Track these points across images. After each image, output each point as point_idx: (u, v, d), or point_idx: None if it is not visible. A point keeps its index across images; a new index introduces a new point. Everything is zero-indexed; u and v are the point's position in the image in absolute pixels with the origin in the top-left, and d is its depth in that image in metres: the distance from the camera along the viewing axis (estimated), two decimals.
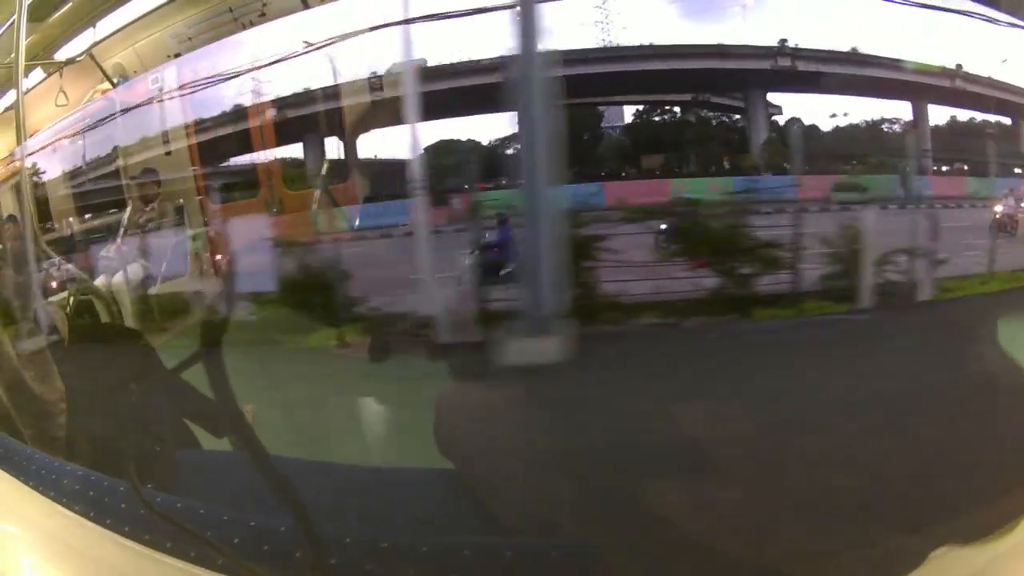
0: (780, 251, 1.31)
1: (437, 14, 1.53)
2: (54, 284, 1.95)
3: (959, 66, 1.39)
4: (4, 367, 1.73)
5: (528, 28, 1.22)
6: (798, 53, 1.35)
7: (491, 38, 1.47)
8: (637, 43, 1.43)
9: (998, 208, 1.50)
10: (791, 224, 1.34)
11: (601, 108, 1.56)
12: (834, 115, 1.40)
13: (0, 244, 2.04)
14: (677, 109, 1.55)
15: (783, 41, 1.36)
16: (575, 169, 1.50)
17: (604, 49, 1.42)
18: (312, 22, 1.78)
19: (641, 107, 1.54)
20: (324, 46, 1.74)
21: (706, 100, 1.52)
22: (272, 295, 1.54)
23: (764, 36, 1.36)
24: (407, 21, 1.60)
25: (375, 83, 1.68)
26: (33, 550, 1.37)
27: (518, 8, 1.25)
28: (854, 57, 1.36)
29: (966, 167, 1.52)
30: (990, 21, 1.38)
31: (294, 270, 1.53)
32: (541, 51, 1.22)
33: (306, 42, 1.60)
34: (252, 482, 1.34)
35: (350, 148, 1.78)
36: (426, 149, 1.57)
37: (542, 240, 1.22)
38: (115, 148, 2.02)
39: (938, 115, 1.46)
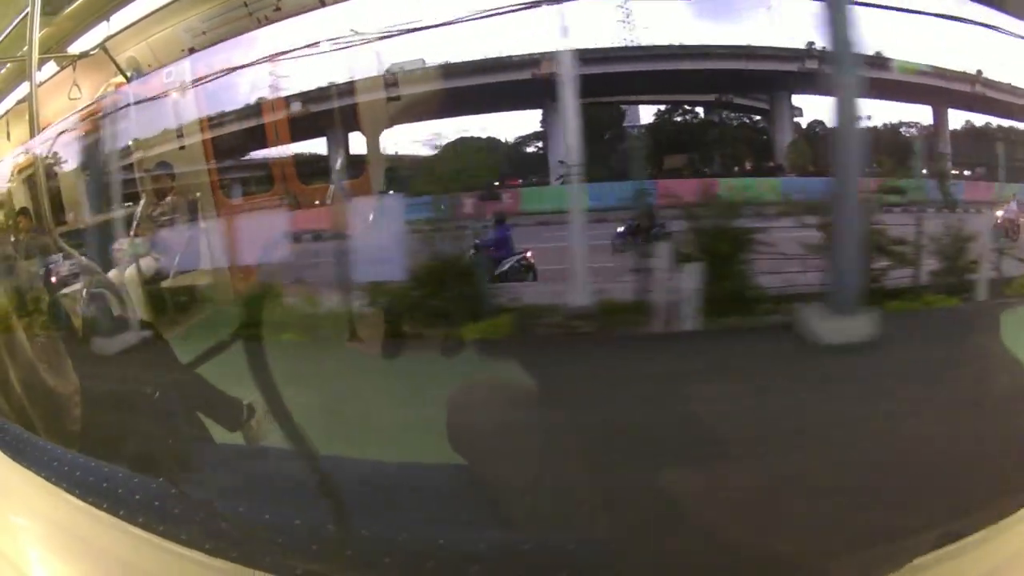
0: (909, 248, 1.38)
1: (461, 17, 1.54)
2: (60, 279, 1.96)
3: (979, 72, 1.40)
4: (18, 360, 1.73)
5: (839, 27, 1.27)
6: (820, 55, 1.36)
7: (513, 35, 1.48)
8: (666, 43, 1.44)
9: (999, 213, 1.51)
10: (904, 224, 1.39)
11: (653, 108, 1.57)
12: (868, 118, 1.42)
13: (13, 237, 2.04)
14: (700, 110, 1.55)
15: (810, 44, 1.37)
16: (623, 167, 1.51)
17: (630, 49, 1.43)
18: (327, 18, 1.78)
19: (668, 107, 1.55)
20: (342, 43, 1.74)
21: (729, 101, 1.53)
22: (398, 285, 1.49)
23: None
24: (425, 27, 1.61)
25: (390, 79, 1.68)
26: (47, 541, 1.38)
27: (828, 8, 1.30)
28: (878, 61, 1.37)
29: (988, 171, 1.53)
30: (1009, 33, 1.39)
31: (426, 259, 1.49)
32: (853, 49, 1.27)
33: (354, 30, 1.59)
34: (268, 476, 1.34)
35: (367, 144, 1.78)
36: (461, 146, 1.57)
37: (850, 227, 1.31)
38: (128, 142, 2.02)
39: (959, 120, 1.47)
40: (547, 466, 1.08)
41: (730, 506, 0.97)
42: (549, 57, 1.48)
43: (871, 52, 1.36)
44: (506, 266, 1.53)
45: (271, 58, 1.81)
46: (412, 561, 1.01)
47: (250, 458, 1.57)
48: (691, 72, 1.48)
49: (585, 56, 1.43)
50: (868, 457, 1.04)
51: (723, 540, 0.92)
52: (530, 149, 1.61)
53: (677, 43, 1.44)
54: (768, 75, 1.46)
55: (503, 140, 1.59)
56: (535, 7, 1.45)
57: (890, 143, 1.44)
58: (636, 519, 1.01)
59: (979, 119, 1.47)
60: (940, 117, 1.47)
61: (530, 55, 1.50)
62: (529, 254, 1.53)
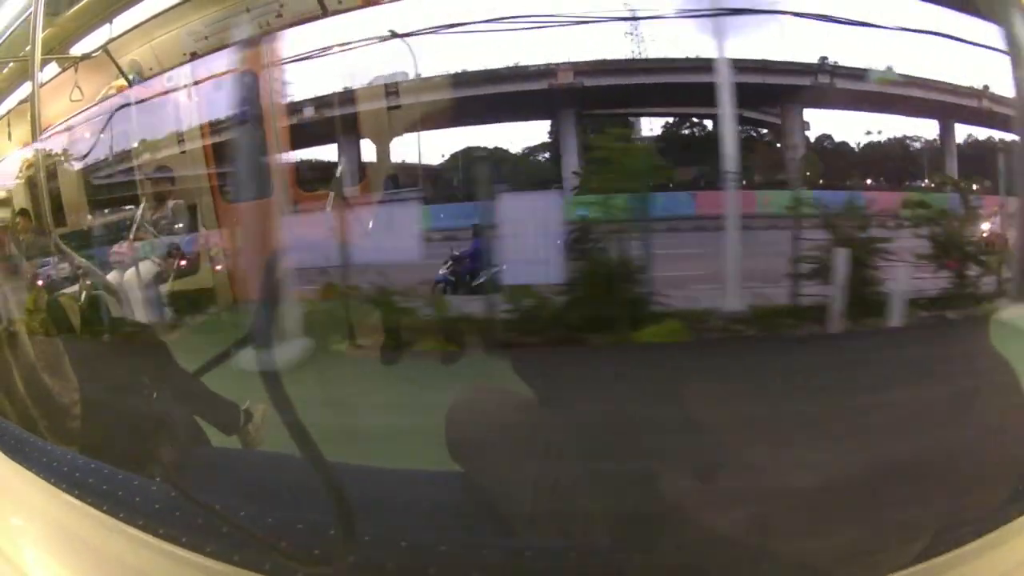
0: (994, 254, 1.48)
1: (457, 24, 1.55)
2: (59, 280, 1.96)
3: (985, 87, 1.43)
4: (18, 360, 1.73)
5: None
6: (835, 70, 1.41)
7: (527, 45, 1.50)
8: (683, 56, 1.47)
9: (984, 226, 1.50)
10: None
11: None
12: (879, 132, 1.47)
13: (13, 237, 2.04)
14: (708, 123, 1.58)
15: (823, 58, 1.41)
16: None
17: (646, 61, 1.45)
18: (329, 26, 1.80)
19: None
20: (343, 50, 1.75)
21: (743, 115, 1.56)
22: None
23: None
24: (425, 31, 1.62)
25: (392, 88, 1.70)
26: (47, 542, 1.38)
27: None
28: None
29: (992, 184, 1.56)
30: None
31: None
32: None
33: (393, 31, 1.58)
34: (270, 480, 1.35)
35: (367, 151, 1.79)
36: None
37: None
38: (129, 145, 2.02)
39: (963, 133, 1.50)
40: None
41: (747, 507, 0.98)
42: (566, 67, 1.51)
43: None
44: (483, 279, 1.55)
45: (278, 62, 1.82)
46: (415, 566, 1.02)
47: (251, 463, 1.58)
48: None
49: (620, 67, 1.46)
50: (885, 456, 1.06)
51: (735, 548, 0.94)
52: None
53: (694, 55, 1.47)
54: (785, 88, 1.49)
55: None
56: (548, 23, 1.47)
57: (914, 156, 1.49)
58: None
59: (983, 133, 1.51)
60: (948, 131, 1.51)
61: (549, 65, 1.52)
62: (504, 267, 1.54)
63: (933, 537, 0.98)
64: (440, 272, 1.59)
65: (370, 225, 1.64)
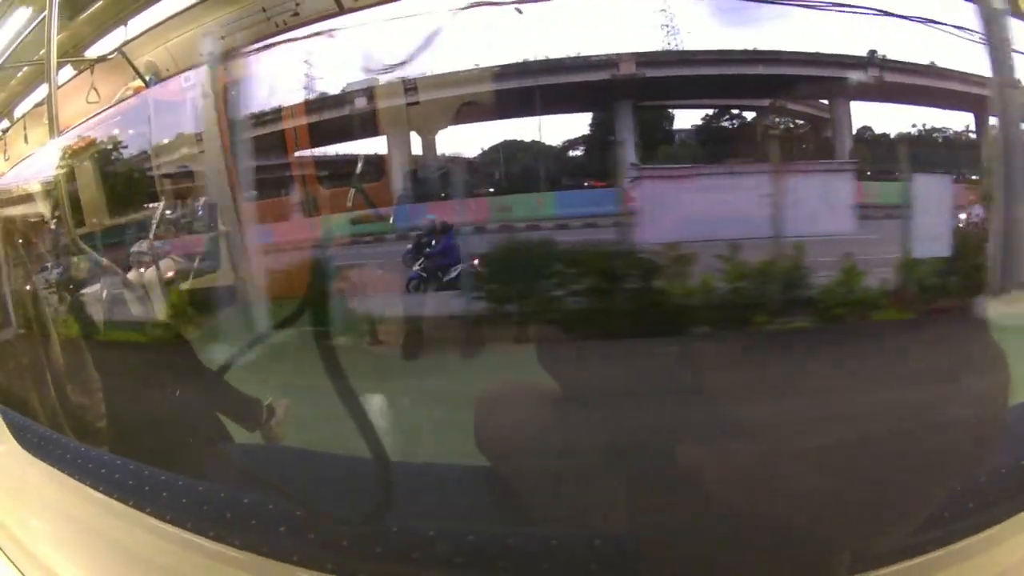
0: None
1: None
2: (81, 280, 1.97)
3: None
4: (40, 359, 1.75)
5: None
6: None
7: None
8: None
9: (962, 216, 1.46)
10: None
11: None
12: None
13: (36, 238, 2.06)
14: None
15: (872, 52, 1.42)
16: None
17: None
18: (347, 23, 1.80)
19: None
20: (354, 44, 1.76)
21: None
22: None
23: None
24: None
25: (410, 85, 1.70)
26: (74, 539, 1.40)
27: None
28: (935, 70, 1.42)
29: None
30: None
31: None
32: None
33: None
34: (297, 473, 1.36)
35: (388, 148, 1.79)
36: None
37: None
38: (148, 145, 2.03)
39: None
40: None
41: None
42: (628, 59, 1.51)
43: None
44: (453, 274, 1.56)
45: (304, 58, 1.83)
46: (441, 556, 1.03)
47: (278, 459, 1.59)
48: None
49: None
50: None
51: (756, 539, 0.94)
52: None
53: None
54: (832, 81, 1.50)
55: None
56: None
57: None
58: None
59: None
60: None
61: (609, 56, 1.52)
62: (476, 262, 1.56)
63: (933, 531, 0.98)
64: (412, 270, 1.60)
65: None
